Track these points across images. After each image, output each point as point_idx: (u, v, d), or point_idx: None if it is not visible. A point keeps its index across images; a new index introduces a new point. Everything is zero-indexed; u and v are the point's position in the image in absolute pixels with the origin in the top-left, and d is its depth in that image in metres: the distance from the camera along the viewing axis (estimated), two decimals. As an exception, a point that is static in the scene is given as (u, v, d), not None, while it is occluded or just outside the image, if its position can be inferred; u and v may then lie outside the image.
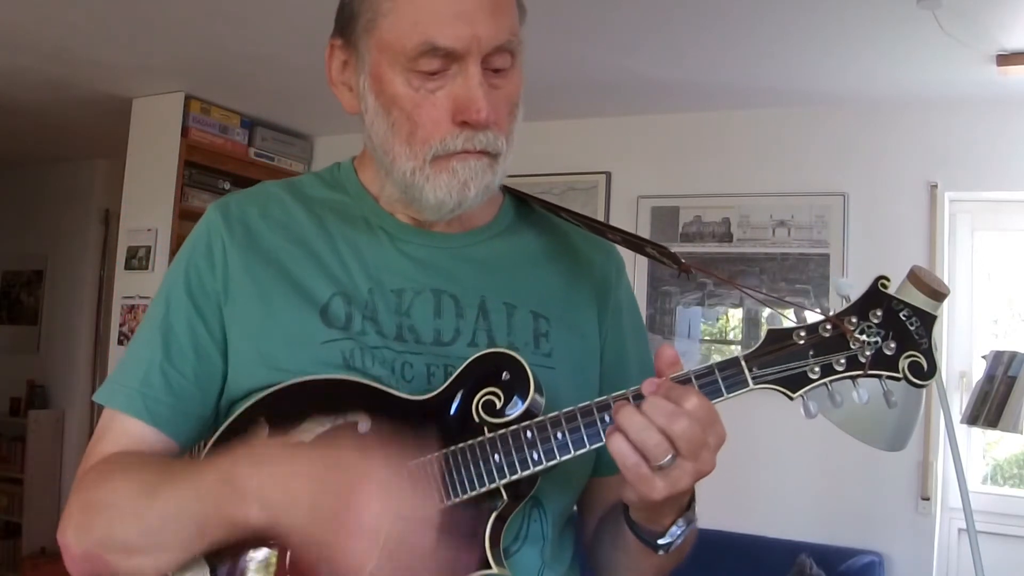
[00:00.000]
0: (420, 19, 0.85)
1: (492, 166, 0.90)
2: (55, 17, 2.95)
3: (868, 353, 0.78)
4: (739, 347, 3.55)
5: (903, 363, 0.78)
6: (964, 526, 2.57)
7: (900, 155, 3.32)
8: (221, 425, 0.91)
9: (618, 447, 0.75)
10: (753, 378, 0.79)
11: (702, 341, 3.60)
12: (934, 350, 0.79)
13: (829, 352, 0.79)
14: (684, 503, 0.83)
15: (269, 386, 0.89)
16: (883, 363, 0.78)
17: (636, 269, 3.55)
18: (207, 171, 3.94)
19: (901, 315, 0.79)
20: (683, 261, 0.93)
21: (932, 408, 3.07)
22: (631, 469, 0.75)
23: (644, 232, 3.62)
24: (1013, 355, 2.52)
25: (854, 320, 0.79)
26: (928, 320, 0.79)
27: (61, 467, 5.00)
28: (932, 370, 0.77)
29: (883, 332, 0.78)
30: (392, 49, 0.86)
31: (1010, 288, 3.40)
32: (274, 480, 0.76)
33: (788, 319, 0.81)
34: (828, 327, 0.79)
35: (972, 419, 2.54)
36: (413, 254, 0.96)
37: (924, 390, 2.43)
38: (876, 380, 0.79)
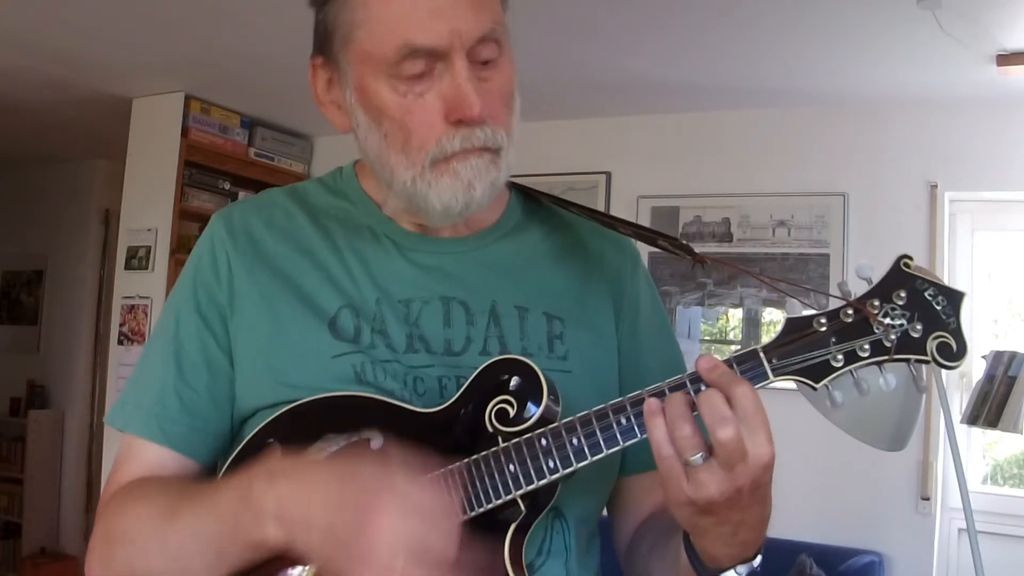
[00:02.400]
0: (395, 23, 0.81)
1: (495, 162, 0.86)
2: (55, 17, 2.94)
3: (893, 337, 0.75)
4: (739, 347, 3.54)
5: (931, 345, 0.75)
6: (964, 526, 2.57)
7: (900, 155, 3.32)
8: (237, 443, 0.89)
9: (657, 436, 0.72)
10: (773, 370, 0.76)
11: (702, 341, 3.60)
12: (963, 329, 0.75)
13: (852, 338, 0.75)
14: (747, 545, 0.77)
15: (277, 403, 0.86)
16: (910, 346, 0.75)
17: (636, 269, 3.55)
18: (207, 171, 3.94)
19: (927, 294, 0.75)
20: (697, 253, 0.90)
21: (932, 408, 3.07)
22: (664, 460, 0.72)
23: (644, 232, 3.62)
24: (1013, 355, 2.52)
25: (877, 303, 0.75)
26: (956, 298, 0.75)
27: (61, 467, 4.99)
28: (962, 351, 0.74)
29: (908, 314, 0.75)
30: (372, 58, 0.83)
31: (1010, 288, 3.40)
32: (290, 497, 0.73)
33: (811, 308, 0.78)
34: (850, 312, 0.76)
35: (972, 419, 2.55)
36: (421, 262, 0.94)
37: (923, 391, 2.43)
38: (903, 364, 0.76)
